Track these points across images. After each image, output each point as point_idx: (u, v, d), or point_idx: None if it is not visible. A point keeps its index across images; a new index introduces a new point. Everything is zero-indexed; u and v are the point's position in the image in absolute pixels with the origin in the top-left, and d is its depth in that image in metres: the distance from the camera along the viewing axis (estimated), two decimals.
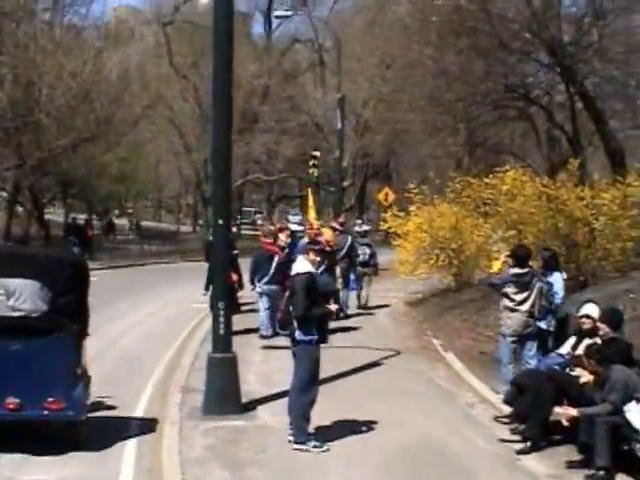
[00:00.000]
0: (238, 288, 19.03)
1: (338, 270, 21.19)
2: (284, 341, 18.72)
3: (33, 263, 10.71)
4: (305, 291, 10.91)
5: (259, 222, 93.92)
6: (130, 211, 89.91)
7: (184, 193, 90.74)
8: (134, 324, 21.63)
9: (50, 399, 10.08)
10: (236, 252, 19.31)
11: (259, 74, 59.07)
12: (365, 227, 25.85)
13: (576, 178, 20.04)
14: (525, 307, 13.15)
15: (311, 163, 38.99)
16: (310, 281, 11.09)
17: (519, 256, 13.23)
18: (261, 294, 18.60)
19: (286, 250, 19.99)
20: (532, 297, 13.17)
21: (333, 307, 11.53)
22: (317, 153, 40.22)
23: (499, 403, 13.31)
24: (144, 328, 21.22)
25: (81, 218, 51.92)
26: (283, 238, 20.20)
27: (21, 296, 10.37)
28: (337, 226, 23.34)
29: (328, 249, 19.10)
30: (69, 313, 10.49)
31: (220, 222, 12.45)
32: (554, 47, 25.28)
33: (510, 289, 13.20)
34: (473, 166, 42.01)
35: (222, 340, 12.62)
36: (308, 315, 10.92)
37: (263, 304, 18.62)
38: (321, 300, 11.31)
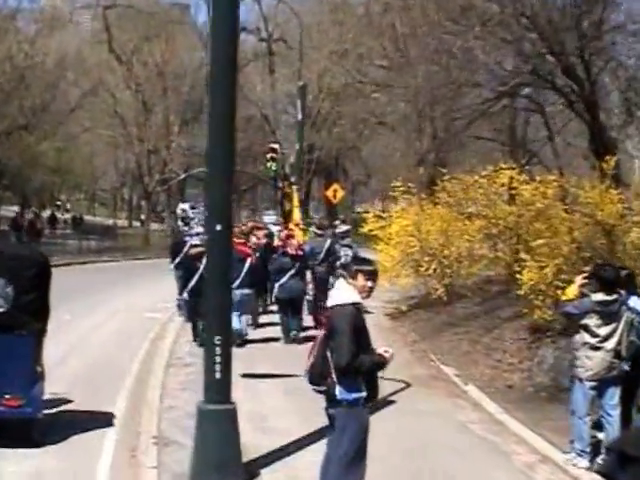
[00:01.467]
0: None
1: (308, 275, 19.48)
2: (262, 365, 15.76)
3: None
4: (352, 332, 7.63)
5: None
6: (59, 203, 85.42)
7: (120, 186, 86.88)
8: (79, 340, 17.87)
9: (8, 396, 9.84)
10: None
11: (203, 63, 55.39)
12: (345, 227, 23.59)
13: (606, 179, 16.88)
14: (611, 344, 9.89)
15: (269, 156, 35.50)
16: (358, 317, 7.80)
17: (605, 278, 9.95)
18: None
19: (257, 253, 18.84)
20: (619, 331, 9.97)
21: (388, 354, 8.12)
22: (276, 146, 36.69)
23: (566, 464, 10.18)
24: (91, 347, 17.40)
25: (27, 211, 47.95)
26: (258, 237, 19.31)
27: None
28: (316, 230, 22.21)
29: (300, 252, 18.41)
30: (31, 311, 10.17)
31: (218, 228, 9.00)
32: (547, 35, 22.26)
33: (592, 321, 9.92)
34: (439, 163, 39.15)
35: (219, 386, 9.18)
36: (357, 366, 7.64)
37: (233, 309, 16.19)
38: (369, 341, 8.03)
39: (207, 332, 9.17)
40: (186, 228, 20.98)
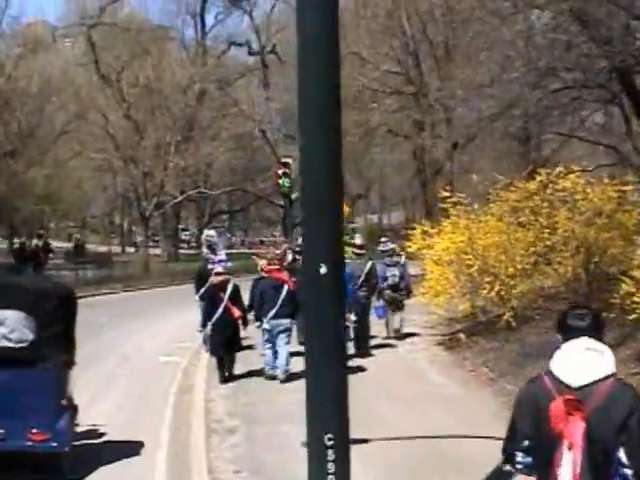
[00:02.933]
0: (242, 326, 16.21)
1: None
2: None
3: (20, 293, 10.05)
4: None
5: (187, 239, 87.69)
6: (42, 232, 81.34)
7: (110, 211, 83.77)
8: (90, 399, 14.08)
9: (34, 430, 9.61)
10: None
11: (194, 79, 52.24)
12: (391, 245, 20.65)
13: None
14: None
15: (281, 172, 32.14)
16: None
17: None
18: (266, 331, 15.64)
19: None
20: None
21: None
22: (289, 160, 33.33)
23: None
24: (106, 408, 13.78)
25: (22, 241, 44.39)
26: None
27: (7, 326, 9.77)
28: (354, 249, 18.88)
29: None
30: (55, 344, 9.90)
31: (323, 270, 5.76)
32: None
33: None
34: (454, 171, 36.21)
35: None
36: None
37: (268, 341, 15.64)
38: None
39: (310, 430, 5.90)
40: (212, 256, 18.15)
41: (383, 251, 20.63)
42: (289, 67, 53.42)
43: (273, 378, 15.34)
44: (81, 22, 52.33)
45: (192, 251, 72.03)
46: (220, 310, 15.61)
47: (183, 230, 74.49)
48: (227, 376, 15.77)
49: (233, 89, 56.79)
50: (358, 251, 19.00)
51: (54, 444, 9.66)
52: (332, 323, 5.84)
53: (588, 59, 17.20)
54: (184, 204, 63.15)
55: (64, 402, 10.08)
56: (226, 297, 15.66)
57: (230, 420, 12.82)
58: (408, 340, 20.19)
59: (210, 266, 17.31)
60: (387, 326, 20.18)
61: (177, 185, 51.85)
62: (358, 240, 19.87)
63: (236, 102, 52.17)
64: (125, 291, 37.11)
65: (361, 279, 18.28)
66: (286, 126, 55.04)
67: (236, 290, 15.92)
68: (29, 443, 9.60)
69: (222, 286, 15.84)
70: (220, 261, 17.25)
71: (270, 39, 56.25)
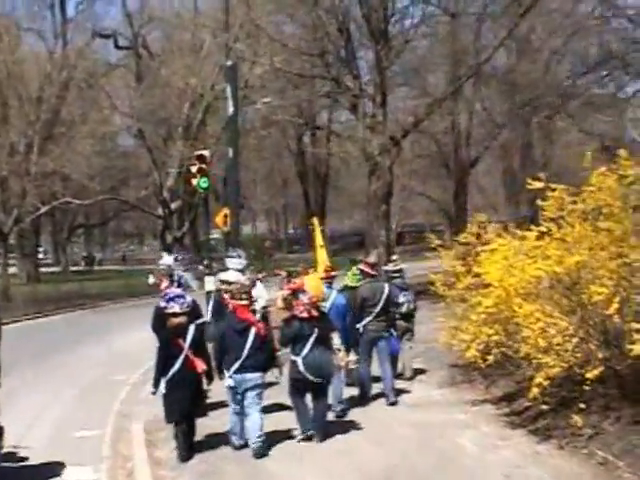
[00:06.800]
0: (207, 381, 11.86)
1: (336, 339, 12.35)
2: None
3: None
4: None
5: (40, 256, 78.17)
6: None
7: None
8: None
9: None
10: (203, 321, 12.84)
11: (55, 70, 43.64)
12: (400, 265, 16.42)
13: None
14: None
15: (196, 169, 23.97)
16: None
17: None
18: (230, 388, 11.56)
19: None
20: None
21: None
22: (206, 152, 25.04)
23: None
24: None
25: None
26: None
27: None
28: (368, 269, 14.57)
29: (315, 312, 11.90)
30: None
31: None
32: None
33: None
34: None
35: None
36: None
37: (233, 402, 11.61)
38: None
39: None
40: (168, 290, 12.57)
41: (393, 272, 15.95)
42: (161, 61, 46.11)
43: (241, 448, 11.49)
44: None
45: (52, 269, 63.11)
46: (179, 363, 11.40)
47: (37, 246, 65.31)
48: (189, 450, 11.44)
49: (98, 87, 48.65)
50: (372, 271, 14.46)
51: None
52: None
53: None
54: (46, 219, 54.48)
55: None
56: (187, 345, 11.44)
57: None
58: (448, 411, 13.06)
59: (163, 304, 11.91)
60: (397, 363, 15.67)
61: (37, 194, 42.73)
62: (372, 258, 14.97)
63: (108, 95, 43.89)
64: None
65: (379, 307, 14.02)
66: (160, 126, 47.28)
67: (201, 334, 11.89)
68: None
69: (181, 331, 11.51)
70: (176, 297, 11.71)
71: (141, 30, 48.57)
